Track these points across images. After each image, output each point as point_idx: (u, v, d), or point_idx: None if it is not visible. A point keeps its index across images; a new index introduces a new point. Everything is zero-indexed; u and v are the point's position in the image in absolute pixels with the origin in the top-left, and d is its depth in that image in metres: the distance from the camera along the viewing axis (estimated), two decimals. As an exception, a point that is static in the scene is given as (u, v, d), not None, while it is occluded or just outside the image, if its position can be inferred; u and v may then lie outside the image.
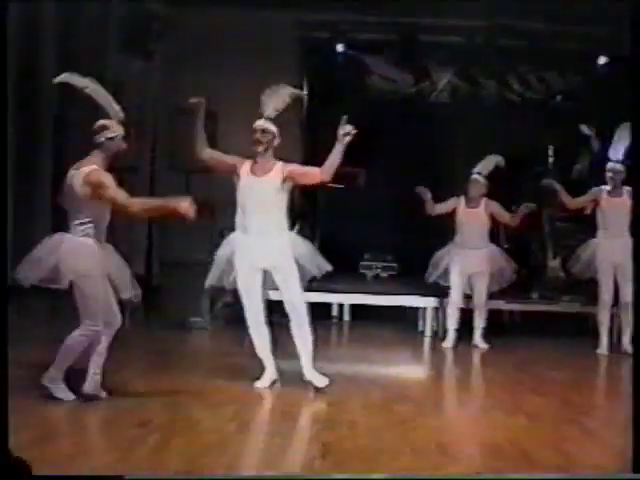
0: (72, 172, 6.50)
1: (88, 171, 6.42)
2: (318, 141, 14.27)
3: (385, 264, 12.79)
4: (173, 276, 10.60)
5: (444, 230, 10.54)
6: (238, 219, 7.40)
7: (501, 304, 10.92)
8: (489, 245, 10.31)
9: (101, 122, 6.59)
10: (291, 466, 5.05)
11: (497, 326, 10.90)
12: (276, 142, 7.44)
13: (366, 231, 13.35)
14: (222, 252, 7.51)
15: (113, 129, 6.58)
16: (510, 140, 12.72)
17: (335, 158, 7.21)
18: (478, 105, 14.54)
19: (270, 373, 7.44)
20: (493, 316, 10.66)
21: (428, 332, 10.90)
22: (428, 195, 10.24)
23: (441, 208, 10.35)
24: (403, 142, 14.45)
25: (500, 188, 10.37)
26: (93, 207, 6.48)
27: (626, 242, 9.76)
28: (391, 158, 14.22)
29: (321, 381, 7.27)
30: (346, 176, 12.82)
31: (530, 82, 15.08)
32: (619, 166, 9.98)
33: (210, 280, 7.66)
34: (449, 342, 10.26)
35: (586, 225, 10.73)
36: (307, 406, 6.93)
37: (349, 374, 8.28)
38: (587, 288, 10.70)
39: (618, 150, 9.97)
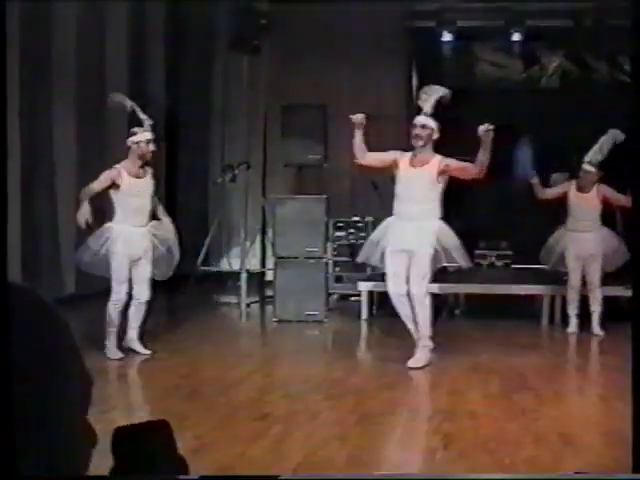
0: None
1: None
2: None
3: (499, 252, 12.68)
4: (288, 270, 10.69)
5: (556, 215, 10.42)
6: (395, 205, 8.00)
7: (620, 290, 10.73)
8: (601, 228, 10.20)
9: (132, 130, 8.04)
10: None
11: (616, 313, 10.72)
12: (435, 136, 7.94)
13: (479, 220, 13.28)
14: (376, 234, 8.28)
15: (139, 135, 7.97)
16: (622, 123, 12.49)
17: (485, 153, 7.87)
18: (590, 88, 14.31)
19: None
20: (611, 303, 10.50)
21: (545, 320, 10.77)
22: (536, 179, 10.22)
23: (552, 192, 10.31)
24: (515, 129, 14.33)
25: (616, 168, 10.19)
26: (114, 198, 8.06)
27: None
28: (501, 145, 14.10)
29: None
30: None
31: (642, 62, 14.79)
32: None
33: (360, 257, 8.58)
34: (572, 327, 10.15)
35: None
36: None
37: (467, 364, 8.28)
38: None
39: None
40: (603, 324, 10.06)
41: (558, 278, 10.48)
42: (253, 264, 12.95)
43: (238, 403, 6.56)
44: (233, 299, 11.68)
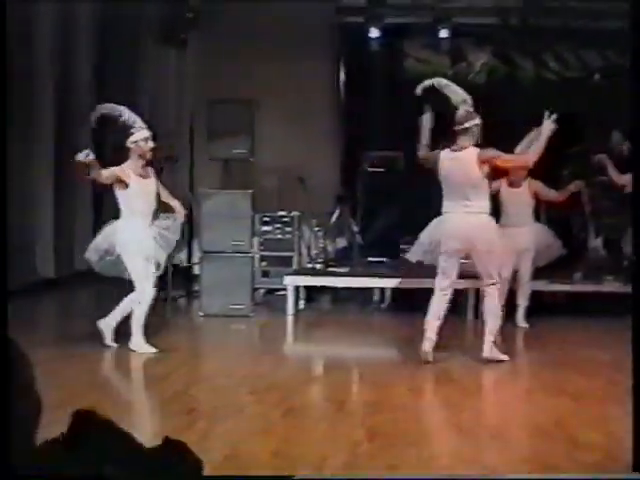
0: None
1: None
2: (354, 125, 14.30)
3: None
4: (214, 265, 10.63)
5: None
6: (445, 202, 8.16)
7: (544, 285, 10.85)
8: (534, 223, 10.32)
9: (129, 131, 8.03)
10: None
11: (540, 307, 10.84)
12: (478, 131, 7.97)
13: (406, 214, 13.32)
14: (426, 232, 8.29)
15: (137, 135, 8.02)
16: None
17: (540, 145, 8.04)
18: (515, 85, 14.47)
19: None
20: (536, 297, 10.62)
21: (471, 314, 10.83)
22: None
23: None
24: (441, 125, 14.42)
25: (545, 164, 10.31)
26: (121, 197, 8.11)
27: None
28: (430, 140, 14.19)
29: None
30: (385, 160, 12.84)
31: (568, 61, 14.99)
32: None
33: (413, 256, 8.64)
34: None
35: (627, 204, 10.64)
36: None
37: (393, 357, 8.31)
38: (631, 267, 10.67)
39: None
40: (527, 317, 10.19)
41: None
42: (180, 258, 12.84)
43: (164, 397, 6.51)
44: (160, 293, 11.59)
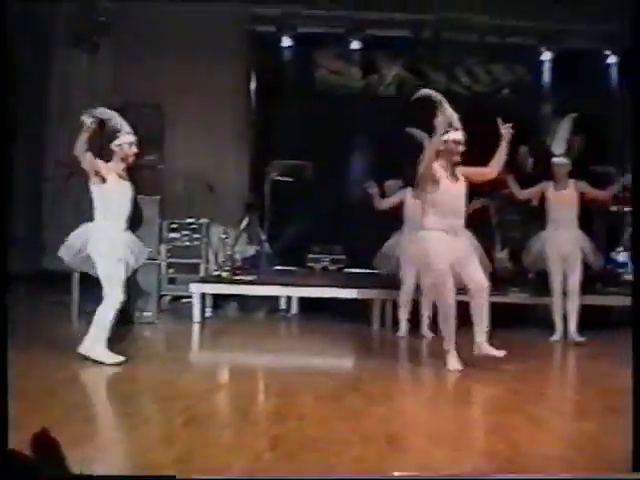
0: None
1: None
2: (264, 133, 14.28)
3: (333, 257, 12.79)
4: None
5: (392, 221, 10.52)
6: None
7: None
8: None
9: (115, 135, 8.08)
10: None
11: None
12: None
13: (314, 224, 13.35)
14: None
15: (121, 138, 8.08)
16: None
17: (502, 153, 8.32)
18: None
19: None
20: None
21: (377, 324, 10.87)
22: (375, 190, 10.38)
23: (388, 202, 10.44)
24: (351, 135, 14.51)
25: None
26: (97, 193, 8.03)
27: (573, 234, 10.13)
28: (339, 151, 14.26)
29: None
30: (294, 169, 12.84)
31: (478, 75, 15.19)
32: (562, 160, 10.15)
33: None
34: (402, 332, 10.31)
35: (533, 217, 10.84)
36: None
37: (299, 366, 8.30)
38: (537, 279, 10.86)
39: (560, 144, 10.15)
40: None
41: (391, 283, 10.57)
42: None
43: (65, 405, 6.37)
44: (67, 299, 11.42)
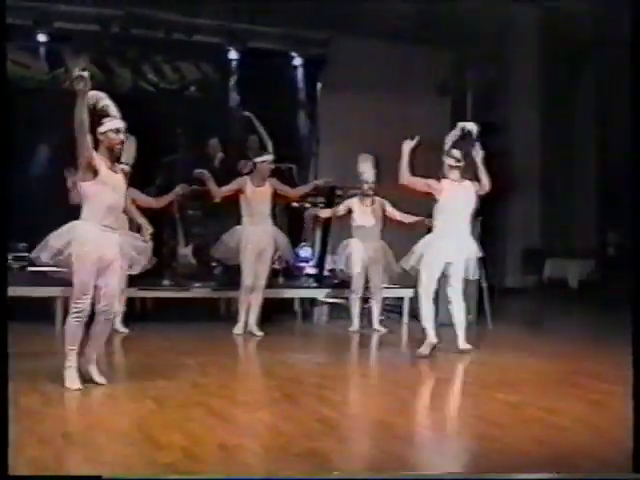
0: None
1: None
2: None
3: (16, 254, 12.23)
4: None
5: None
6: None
7: (133, 291, 10.90)
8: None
9: (101, 120, 7.00)
10: None
11: (134, 314, 11.00)
12: None
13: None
14: None
15: (106, 125, 6.98)
16: (143, 128, 12.78)
17: (403, 164, 9.28)
18: (112, 94, 14.52)
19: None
20: (129, 304, 10.74)
21: (59, 323, 10.50)
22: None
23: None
24: (39, 129, 14.23)
25: (138, 175, 10.39)
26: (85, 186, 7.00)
27: (269, 229, 10.66)
28: (30, 143, 13.99)
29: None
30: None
31: (165, 72, 15.31)
32: (265, 157, 10.49)
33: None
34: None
35: (214, 213, 11.12)
36: None
37: None
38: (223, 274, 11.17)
39: (267, 143, 10.52)
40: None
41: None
42: None
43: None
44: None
